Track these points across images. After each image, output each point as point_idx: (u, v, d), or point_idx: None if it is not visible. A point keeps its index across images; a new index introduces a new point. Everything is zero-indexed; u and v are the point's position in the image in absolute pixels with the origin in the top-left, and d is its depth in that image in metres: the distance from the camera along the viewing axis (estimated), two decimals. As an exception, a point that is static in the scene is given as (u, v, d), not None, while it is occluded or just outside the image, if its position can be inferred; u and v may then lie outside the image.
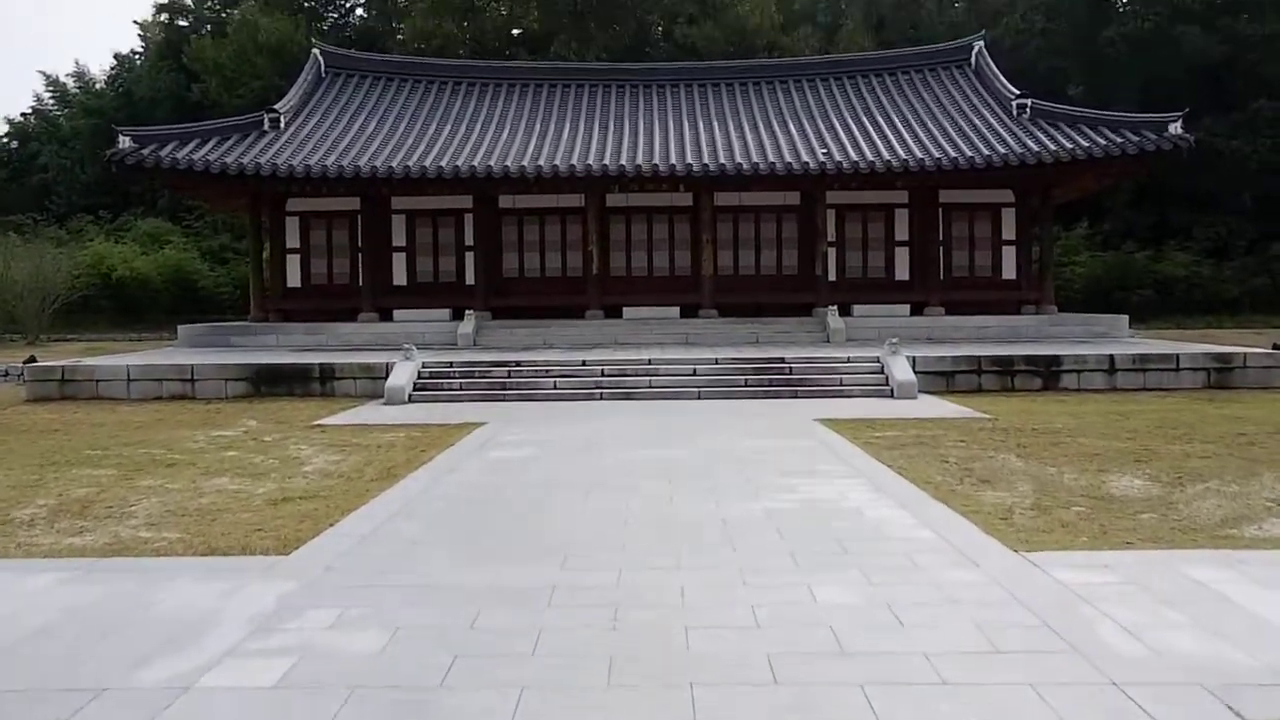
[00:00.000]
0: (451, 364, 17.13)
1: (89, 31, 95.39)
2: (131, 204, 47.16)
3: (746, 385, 16.33)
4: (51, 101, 57.23)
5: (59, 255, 34.33)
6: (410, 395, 15.95)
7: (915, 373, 16.17)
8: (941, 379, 16.81)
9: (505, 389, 16.28)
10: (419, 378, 16.61)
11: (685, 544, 6.50)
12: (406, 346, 16.87)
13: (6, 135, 55.54)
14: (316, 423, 13.49)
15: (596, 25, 45.91)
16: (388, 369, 16.62)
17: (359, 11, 54.17)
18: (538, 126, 24.91)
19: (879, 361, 16.88)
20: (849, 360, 17.14)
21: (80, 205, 46.98)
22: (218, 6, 55.08)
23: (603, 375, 16.68)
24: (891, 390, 15.90)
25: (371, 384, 16.69)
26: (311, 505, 7.95)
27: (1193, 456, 10.06)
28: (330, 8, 53.39)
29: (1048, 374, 16.93)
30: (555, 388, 16.33)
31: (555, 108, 26.17)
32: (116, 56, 58.09)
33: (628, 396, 15.92)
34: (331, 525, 7.12)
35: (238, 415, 14.52)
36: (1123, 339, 22.03)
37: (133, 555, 6.36)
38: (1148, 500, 7.96)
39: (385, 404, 15.63)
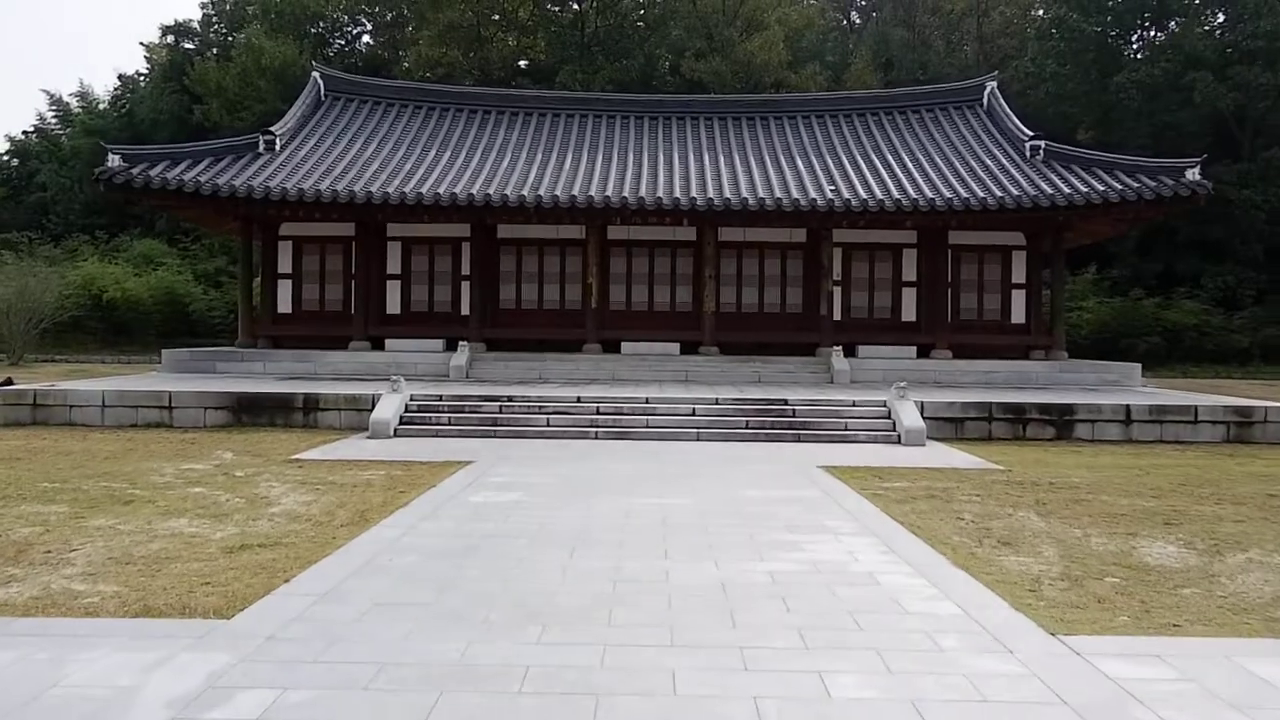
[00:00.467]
0: (441, 397, 16.45)
1: (95, 52, 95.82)
2: (129, 225, 46.74)
3: (748, 427, 15.65)
4: (54, 120, 57.10)
5: (50, 274, 33.76)
6: (396, 429, 15.26)
7: (924, 418, 15.50)
8: (950, 426, 16.13)
9: (496, 425, 15.59)
10: (406, 411, 15.93)
11: (680, 615, 5.79)
12: (394, 378, 16.21)
13: (7, 153, 55.33)
14: (294, 457, 12.80)
15: (604, 58, 45.75)
16: (374, 401, 15.95)
17: (365, 39, 54.10)
18: (539, 156, 24.43)
19: (886, 406, 16.21)
20: (854, 404, 16.47)
21: (78, 225, 46.54)
22: (224, 30, 55.07)
23: (598, 413, 16.00)
24: (899, 436, 15.22)
25: (357, 416, 16.02)
26: (271, 555, 7.25)
27: (1225, 520, 9.37)
28: (337, 34, 53.31)
29: (1061, 423, 16.26)
30: (548, 425, 15.65)
31: (558, 137, 25.71)
32: (120, 77, 58.11)
33: (623, 436, 15.24)
34: (287, 581, 6.41)
35: (213, 446, 13.83)
36: (1135, 388, 21.38)
37: (57, 614, 5.64)
38: (1186, 572, 7.26)
39: (369, 438, 14.94)
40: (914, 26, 48.79)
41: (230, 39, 53.00)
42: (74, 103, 56.95)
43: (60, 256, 40.20)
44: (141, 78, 57.33)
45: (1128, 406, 16.39)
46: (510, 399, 16.39)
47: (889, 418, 15.90)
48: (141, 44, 63.04)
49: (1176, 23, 42.14)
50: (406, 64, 48.26)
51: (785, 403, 16.45)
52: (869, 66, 44.61)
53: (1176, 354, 35.57)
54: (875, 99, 27.36)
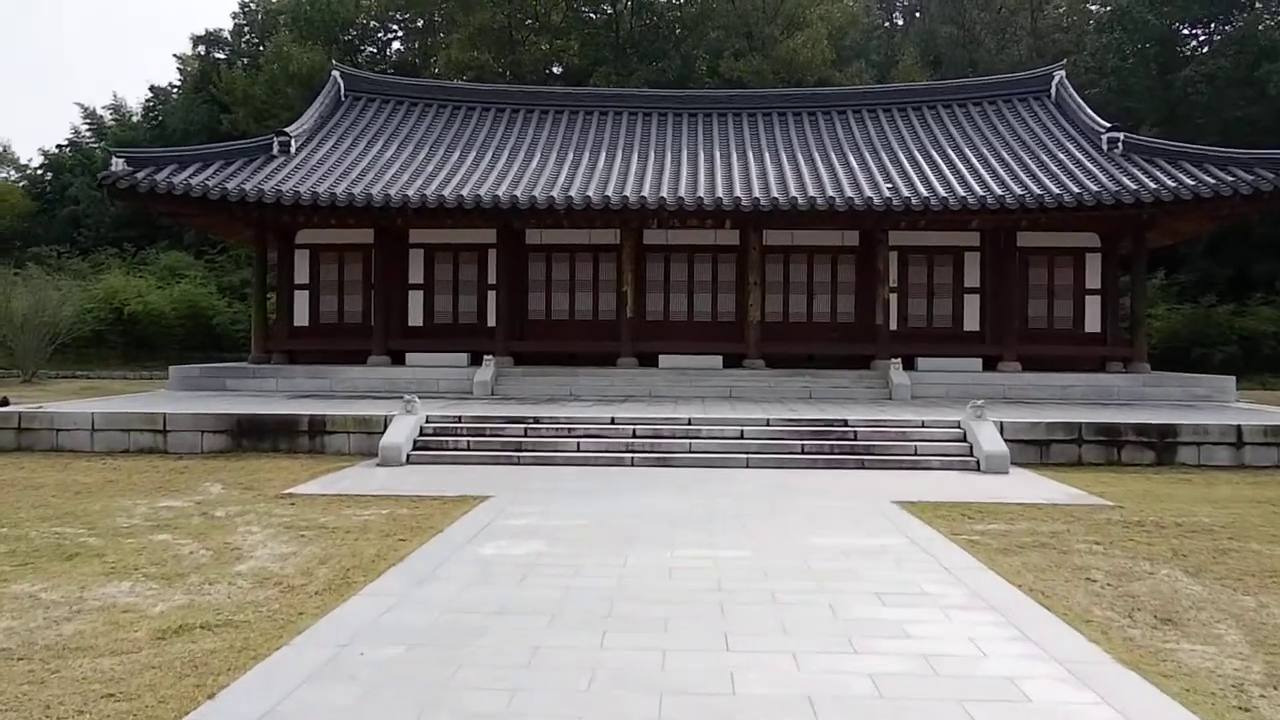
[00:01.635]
0: (460, 419, 14.79)
1: (131, 65, 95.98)
2: (159, 237, 45.83)
3: (804, 452, 13.82)
4: (88, 133, 56.58)
5: (72, 287, 32.70)
6: (409, 456, 13.63)
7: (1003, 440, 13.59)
8: (1034, 449, 14.19)
9: (520, 450, 13.90)
10: (421, 434, 14.29)
11: (756, 759, 4.03)
12: (408, 398, 14.56)
13: (41, 166, 54.90)
14: (288, 491, 11.18)
15: (639, 60, 44.16)
16: (386, 423, 14.33)
17: (396, 45, 52.96)
18: (570, 155, 22.79)
19: (960, 427, 14.31)
20: (924, 425, 14.58)
21: (108, 238, 45.71)
22: (255, 39, 54.25)
23: (634, 436, 14.25)
24: (978, 463, 13.33)
25: (368, 440, 14.39)
26: (212, 642, 5.57)
27: None
28: (367, 40, 52.20)
29: (1162, 446, 14.25)
30: (579, 450, 13.92)
31: (590, 136, 24.06)
32: (152, 89, 57.41)
33: (663, 463, 13.48)
34: (213, 696, 4.71)
35: (203, 477, 12.28)
36: (1231, 403, 19.25)
37: None
38: None
39: (379, 465, 13.33)
40: (963, 23, 46.66)
41: (261, 48, 52.14)
42: (107, 115, 56.48)
43: (87, 270, 39.35)
44: (174, 89, 56.73)
45: (1239, 427, 14.34)
46: (537, 420, 14.69)
47: (964, 440, 14.00)
48: (175, 55, 62.44)
49: (1245, 14, 39.69)
50: (437, 69, 46.99)
51: (845, 423, 14.60)
52: (916, 64, 42.59)
53: (1254, 363, 33.10)
54: (932, 91, 25.41)
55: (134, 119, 56.02)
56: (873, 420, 14.75)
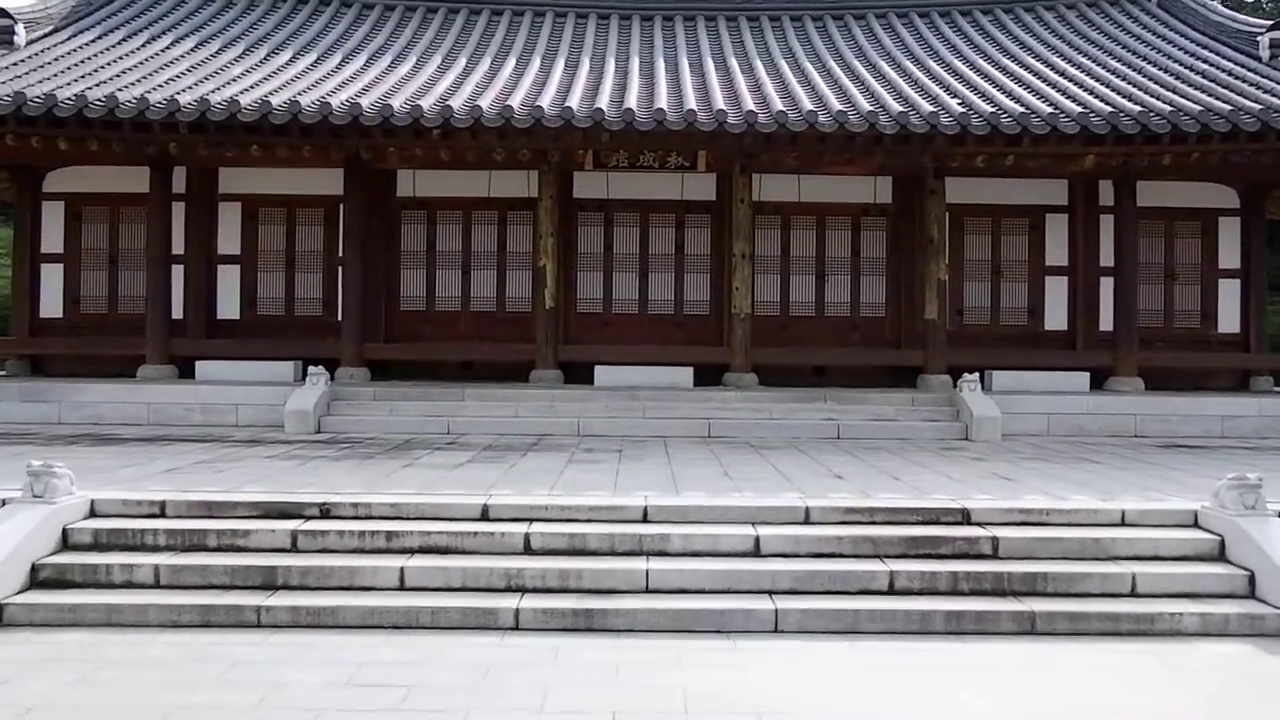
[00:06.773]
0: (162, 509, 7.10)
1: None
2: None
3: (893, 590, 6.38)
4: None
5: None
6: (18, 599, 5.95)
7: None
8: (1335, 568, 6.92)
9: (273, 589, 6.28)
10: (67, 547, 6.61)
11: None
12: (36, 465, 6.80)
13: None
14: None
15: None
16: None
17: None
18: (462, 61, 15.15)
19: (1201, 527, 7.00)
20: (1124, 520, 7.21)
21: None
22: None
23: (528, 551, 6.70)
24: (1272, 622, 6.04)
25: (-31, 552, 6.64)
26: None
27: None
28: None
29: None
30: (402, 586, 6.34)
31: (496, 39, 16.46)
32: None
33: (587, 623, 5.96)
34: None
35: None
36: None
37: None
38: None
39: (-77, 636, 5.65)
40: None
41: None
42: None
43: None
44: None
45: None
46: (325, 513, 7.06)
47: (1220, 557, 6.70)
48: None
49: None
50: None
51: (964, 518, 7.19)
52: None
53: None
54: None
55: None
56: (1016, 511, 7.32)
